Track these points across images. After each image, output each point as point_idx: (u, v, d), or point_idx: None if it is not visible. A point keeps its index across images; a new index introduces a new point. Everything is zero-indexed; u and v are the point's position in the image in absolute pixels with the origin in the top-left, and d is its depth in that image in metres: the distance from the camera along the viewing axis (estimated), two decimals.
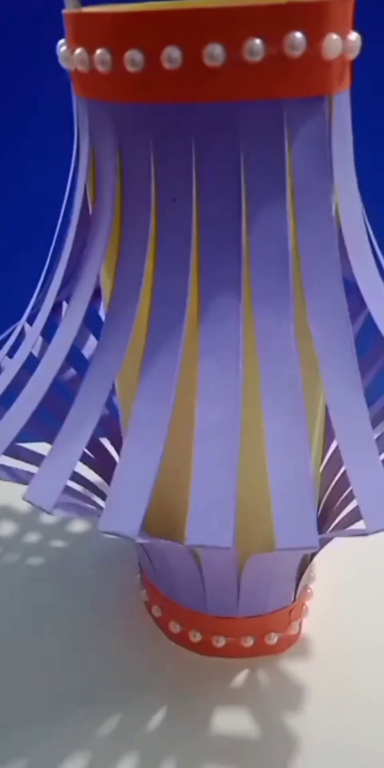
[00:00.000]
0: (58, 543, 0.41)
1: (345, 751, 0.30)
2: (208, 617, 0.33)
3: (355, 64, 0.24)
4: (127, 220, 0.25)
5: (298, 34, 0.21)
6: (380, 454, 0.33)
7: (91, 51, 0.23)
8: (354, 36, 0.23)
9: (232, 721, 0.32)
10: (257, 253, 0.24)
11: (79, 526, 0.43)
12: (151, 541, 0.25)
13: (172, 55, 0.22)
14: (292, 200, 0.24)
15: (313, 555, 0.33)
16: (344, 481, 0.34)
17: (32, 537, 0.42)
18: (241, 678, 0.34)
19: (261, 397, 0.23)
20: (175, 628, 0.34)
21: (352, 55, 0.23)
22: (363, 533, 0.23)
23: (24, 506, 0.44)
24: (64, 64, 0.24)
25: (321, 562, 0.38)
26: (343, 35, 0.22)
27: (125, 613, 0.37)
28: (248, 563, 0.29)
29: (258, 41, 0.21)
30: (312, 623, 0.36)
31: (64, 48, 0.24)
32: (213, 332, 0.24)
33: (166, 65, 0.22)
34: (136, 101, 0.23)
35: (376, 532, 0.22)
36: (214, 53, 0.21)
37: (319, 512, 0.36)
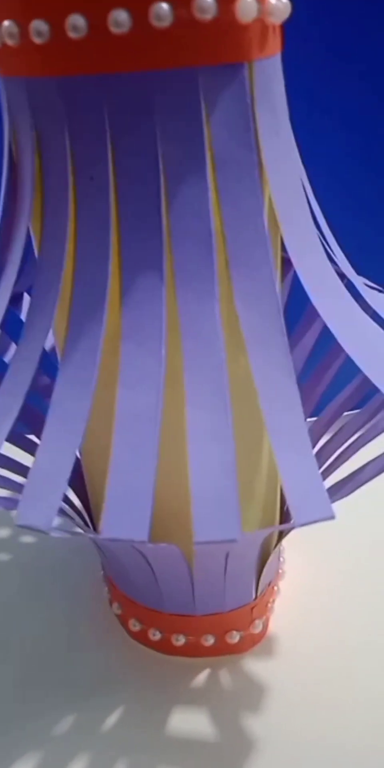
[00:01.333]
0: (26, 539, 0.41)
1: (307, 755, 0.29)
2: (165, 615, 0.32)
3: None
4: (48, 201, 0.24)
5: None
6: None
7: (1, 25, 0.22)
8: None
9: (190, 721, 0.31)
10: (178, 232, 0.22)
11: None
12: (65, 535, 0.24)
13: (76, 24, 0.20)
14: (213, 175, 0.22)
15: (274, 549, 0.32)
16: None
17: (1, 533, 0.41)
18: (202, 678, 0.33)
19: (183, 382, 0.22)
20: (134, 626, 0.33)
21: (275, 18, 0.22)
22: (290, 527, 0.22)
23: None
24: None
25: (291, 559, 0.37)
26: None
27: (89, 611, 0.36)
28: (196, 558, 0.28)
29: (164, 5, 0.20)
30: (279, 622, 0.35)
31: None
32: (135, 316, 0.23)
33: (72, 35, 0.21)
34: (46, 74, 0.22)
35: (303, 525, 0.21)
36: (119, 19, 0.20)
37: (286, 507, 0.35)
